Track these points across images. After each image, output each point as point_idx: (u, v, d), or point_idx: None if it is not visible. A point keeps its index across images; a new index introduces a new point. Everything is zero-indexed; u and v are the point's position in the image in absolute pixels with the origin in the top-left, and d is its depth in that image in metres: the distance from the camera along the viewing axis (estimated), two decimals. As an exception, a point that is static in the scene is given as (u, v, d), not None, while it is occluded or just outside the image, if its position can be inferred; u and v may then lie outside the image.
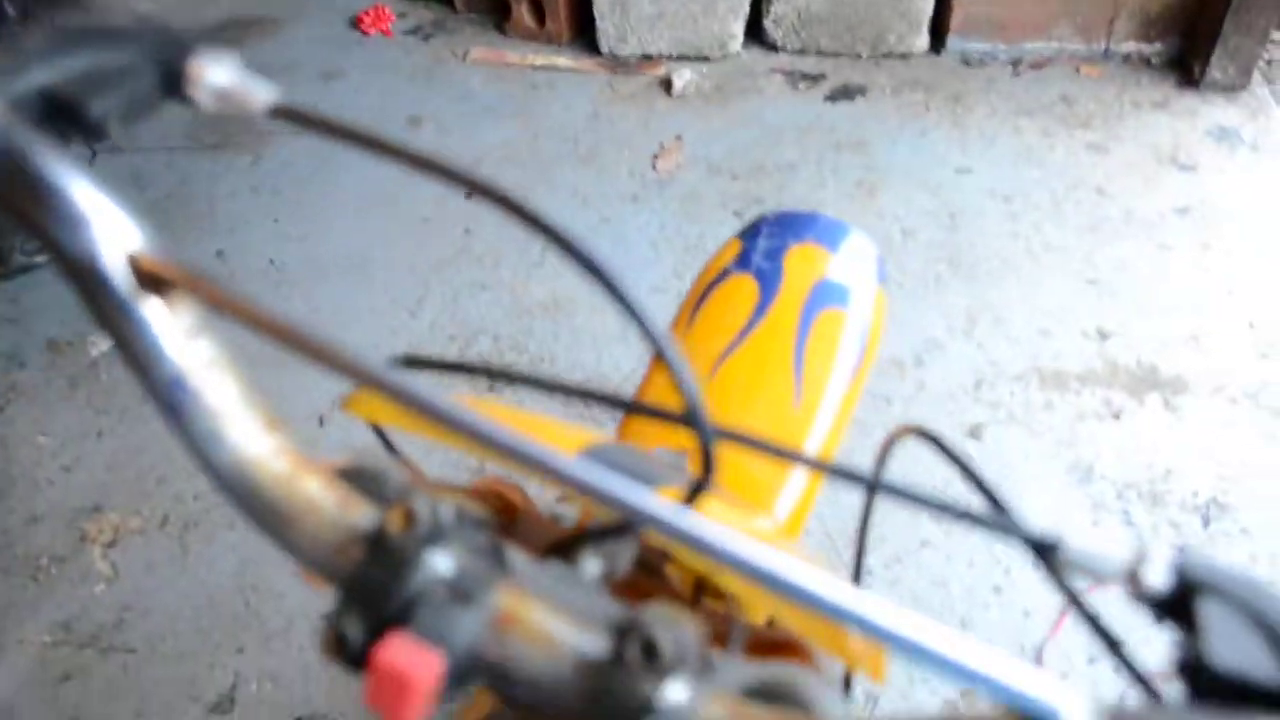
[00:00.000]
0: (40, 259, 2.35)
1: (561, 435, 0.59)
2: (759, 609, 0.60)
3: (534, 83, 2.86)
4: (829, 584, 0.34)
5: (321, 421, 1.98)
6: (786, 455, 0.45)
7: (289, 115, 0.48)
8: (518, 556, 0.45)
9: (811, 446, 0.91)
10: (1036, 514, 1.75)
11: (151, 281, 0.42)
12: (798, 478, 0.90)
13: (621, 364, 2.06)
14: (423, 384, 0.40)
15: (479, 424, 0.39)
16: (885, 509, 0.67)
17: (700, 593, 0.75)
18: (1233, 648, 0.32)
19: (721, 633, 0.54)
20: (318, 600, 1.74)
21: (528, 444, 0.38)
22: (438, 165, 0.45)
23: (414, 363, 0.57)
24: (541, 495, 0.56)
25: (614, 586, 0.54)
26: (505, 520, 0.65)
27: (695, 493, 0.44)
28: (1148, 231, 2.31)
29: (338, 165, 2.62)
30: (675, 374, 0.41)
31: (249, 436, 0.45)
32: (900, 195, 2.43)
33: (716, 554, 0.36)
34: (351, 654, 0.39)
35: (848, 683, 0.64)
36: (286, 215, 2.48)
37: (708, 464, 0.42)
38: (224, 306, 0.42)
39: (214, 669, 1.68)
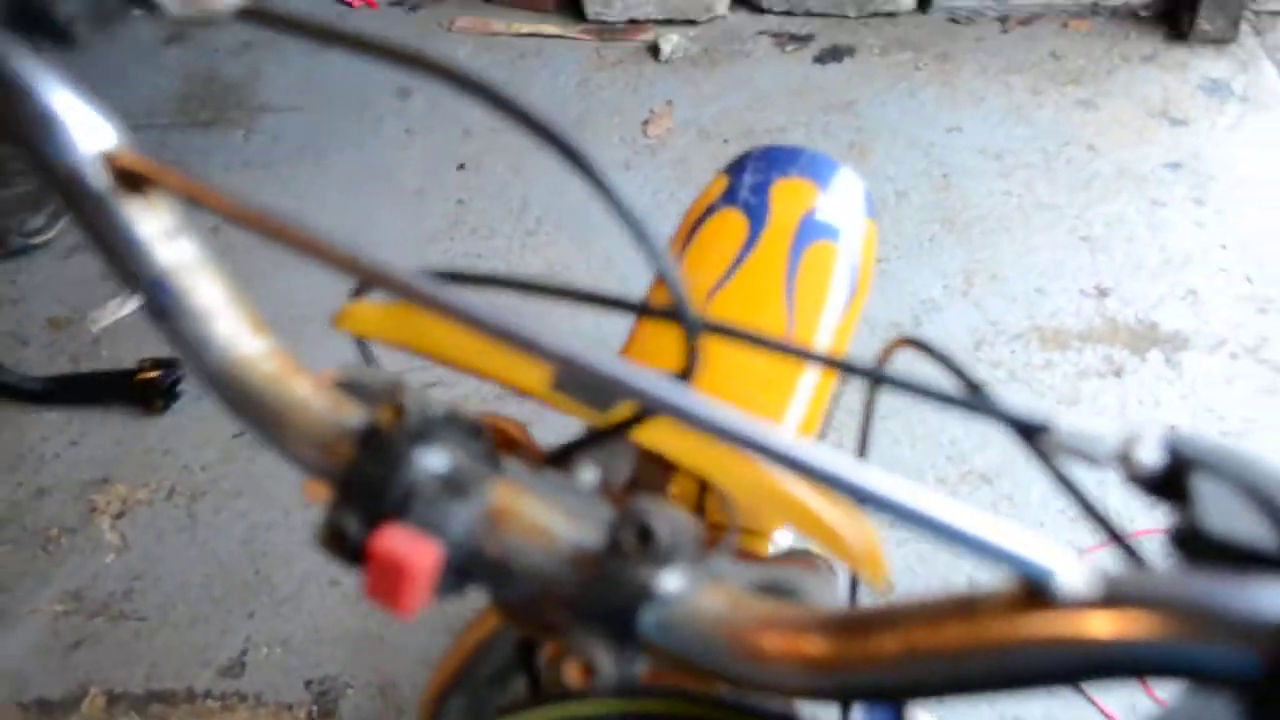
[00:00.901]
0: (38, 240, 2.35)
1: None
2: (759, 518, 0.61)
3: (521, 51, 2.85)
4: (833, 457, 0.35)
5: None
6: (772, 345, 0.45)
7: (256, 16, 0.47)
8: (513, 463, 0.45)
9: (807, 379, 0.91)
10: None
11: (129, 180, 0.42)
12: (802, 393, 0.90)
13: (621, 330, 2.07)
14: (412, 272, 0.40)
15: (478, 310, 0.38)
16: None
17: (701, 511, 0.75)
18: (1226, 516, 0.32)
19: (720, 545, 0.55)
20: (326, 566, 1.75)
21: (528, 328, 0.38)
22: (417, 59, 0.44)
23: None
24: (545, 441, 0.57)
25: (612, 499, 0.56)
26: (505, 453, 0.66)
27: (686, 374, 0.45)
28: (1140, 187, 2.32)
29: (330, 140, 2.61)
30: (659, 263, 0.42)
31: (237, 337, 0.45)
32: (892, 156, 2.44)
33: (721, 430, 0.36)
34: (349, 547, 0.40)
35: (853, 591, 0.65)
36: (278, 190, 2.47)
37: (693, 354, 0.43)
38: (203, 200, 0.42)
39: (224, 634, 1.70)
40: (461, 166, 2.52)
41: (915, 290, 2.12)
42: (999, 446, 1.80)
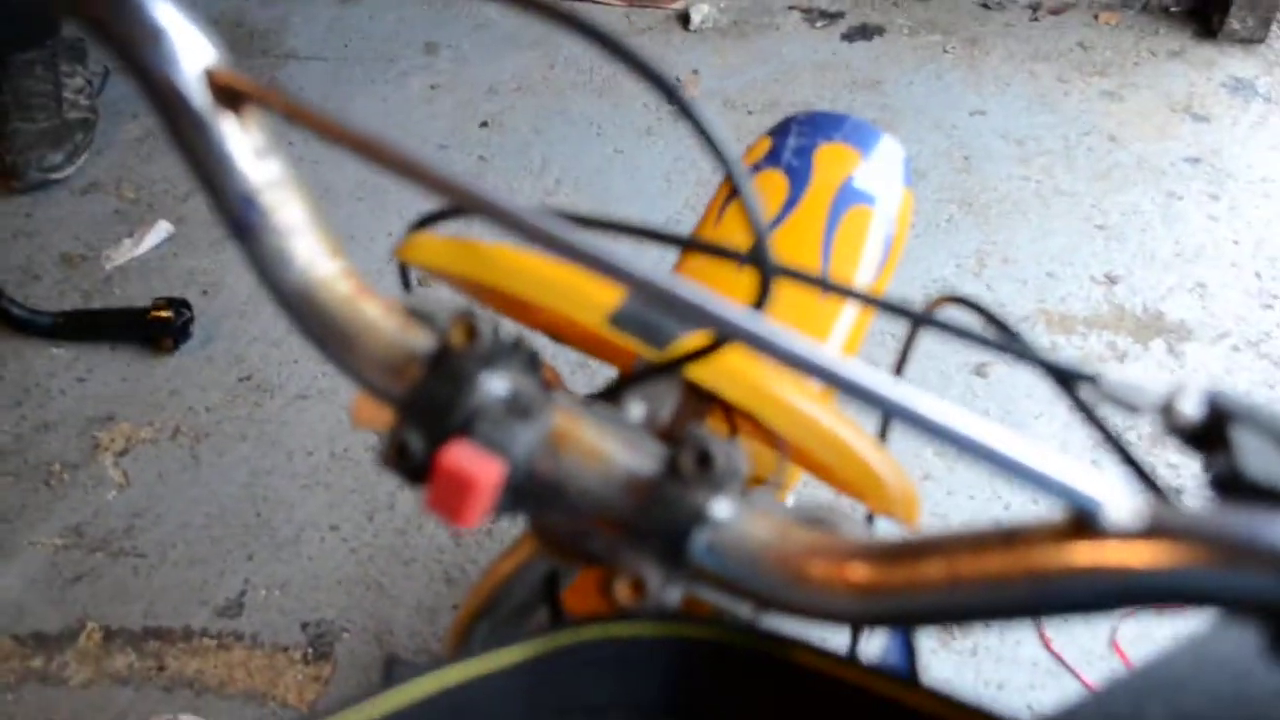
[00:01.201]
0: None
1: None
2: (800, 454, 0.62)
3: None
4: (897, 387, 0.36)
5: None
6: (839, 290, 0.47)
7: None
8: (565, 395, 0.47)
9: (836, 338, 0.93)
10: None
11: (226, 97, 0.43)
12: (838, 333, 0.93)
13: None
14: (500, 196, 0.40)
15: (562, 233, 0.39)
16: (889, 442, 0.69)
17: None
18: (1265, 463, 0.33)
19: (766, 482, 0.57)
20: (327, 512, 1.77)
21: (612, 251, 0.38)
22: None
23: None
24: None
25: (658, 434, 0.56)
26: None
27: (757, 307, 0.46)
28: (1158, 180, 2.31)
29: (354, 92, 2.62)
30: (744, 200, 0.42)
31: (315, 257, 0.46)
32: (914, 136, 2.43)
33: (787, 355, 0.36)
34: (413, 462, 0.41)
35: (870, 523, 0.67)
36: (299, 141, 2.48)
37: (765, 287, 0.44)
38: (299, 119, 0.42)
39: (224, 575, 1.71)
40: (484, 124, 2.51)
41: (929, 268, 2.12)
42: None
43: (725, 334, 0.38)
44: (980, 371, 1.92)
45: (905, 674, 0.43)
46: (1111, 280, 2.09)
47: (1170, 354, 1.95)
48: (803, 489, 1.00)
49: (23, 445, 1.89)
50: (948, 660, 1.57)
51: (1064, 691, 1.53)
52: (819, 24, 2.77)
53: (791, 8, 2.83)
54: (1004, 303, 2.05)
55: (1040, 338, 1.99)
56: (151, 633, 1.64)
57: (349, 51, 2.74)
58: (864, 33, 2.74)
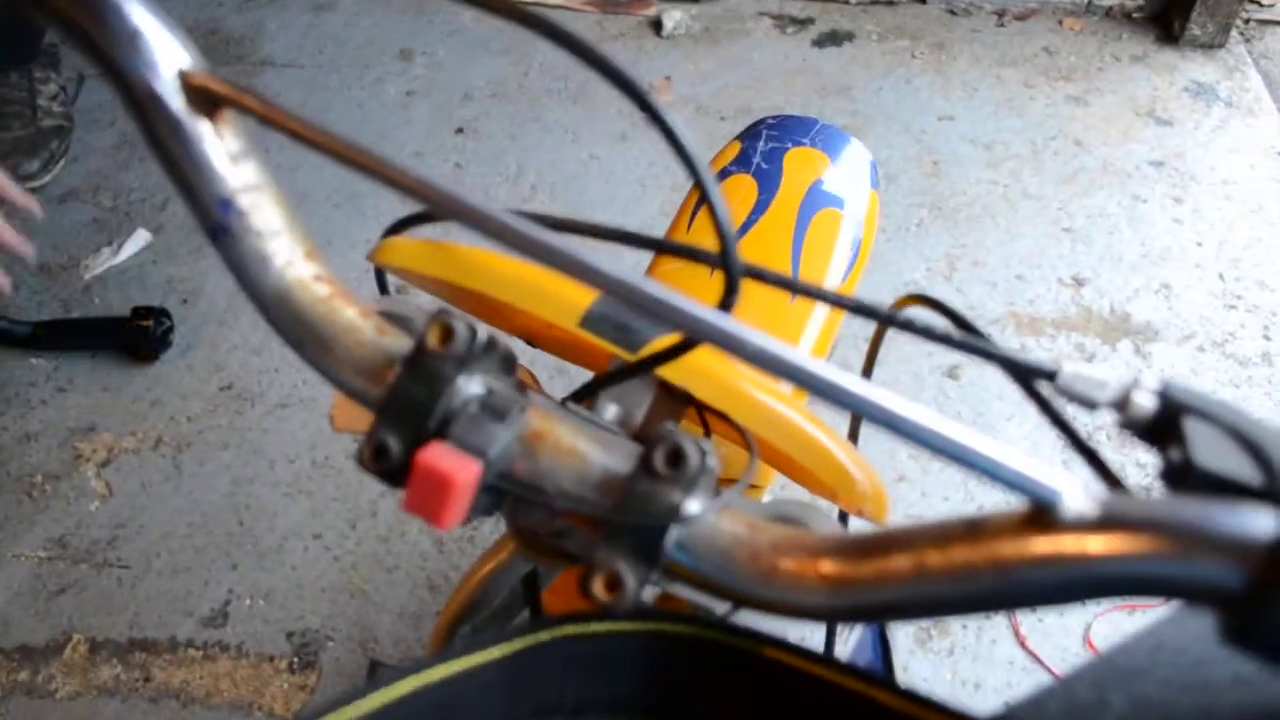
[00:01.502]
0: (32, 184, 2.35)
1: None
2: (773, 454, 0.63)
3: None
4: (864, 386, 0.37)
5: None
6: (805, 290, 0.47)
7: None
8: (539, 396, 0.48)
9: (808, 339, 0.95)
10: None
11: (202, 100, 0.43)
12: (809, 334, 0.94)
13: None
14: (476, 199, 0.40)
15: (536, 235, 0.39)
16: (864, 444, 0.71)
17: None
18: (1216, 454, 0.34)
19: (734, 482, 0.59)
20: (310, 520, 1.78)
21: (584, 253, 0.39)
22: None
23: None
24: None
25: (630, 435, 0.56)
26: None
27: (723, 309, 0.46)
28: (1123, 183, 2.36)
29: (330, 99, 2.62)
30: (710, 201, 0.42)
31: (292, 259, 0.46)
32: (884, 140, 2.47)
33: (756, 355, 0.37)
34: (391, 464, 0.42)
35: (843, 522, 0.68)
36: (276, 149, 2.47)
37: (731, 286, 0.44)
38: (274, 122, 0.43)
39: (207, 585, 1.72)
40: (460, 130, 2.53)
41: (900, 272, 2.16)
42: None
43: (694, 334, 0.38)
44: (952, 374, 1.95)
45: (880, 672, 0.45)
46: (1079, 282, 2.13)
47: (1137, 355, 2.00)
48: (779, 490, 1.02)
49: (5, 457, 1.90)
50: (925, 660, 1.60)
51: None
52: (789, 30, 2.80)
53: (762, 14, 2.85)
54: (974, 305, 2.08)
55: (1010, 340, 2.03)
56: (137, 644, 1.66)
57: (324, 58, 2.74)
58: (834, 39, 2.77)
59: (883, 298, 2.08)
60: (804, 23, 2.82)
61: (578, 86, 2.62)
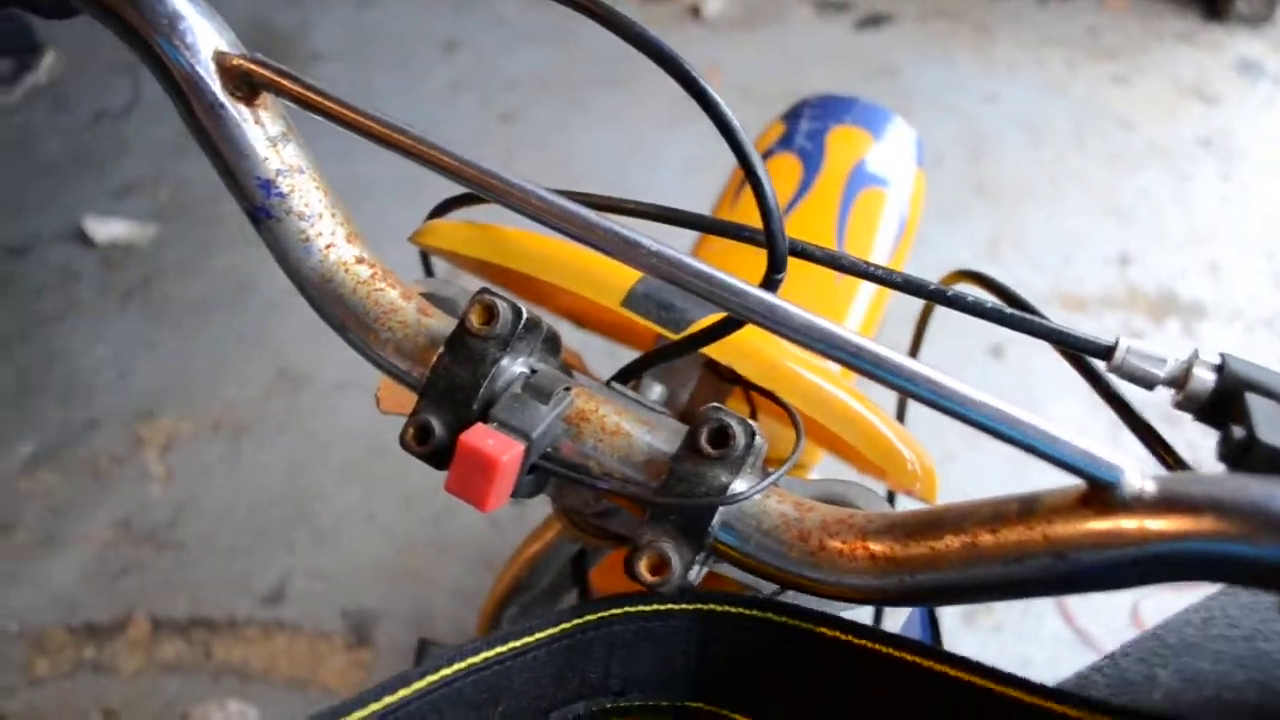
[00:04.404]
0: None
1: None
2: (820, 433, 0.62)
3: (564, 11, 2.87)
4: (914, 365, 0.36)
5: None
6: (849, 266, 0.46)
7: None
8: (583, 377, 0.47)
9: (854, 318, 0.95)
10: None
11: (241, 83, 0.43)
12: (855, 313, 0.94)
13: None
14: (518, 179, 0.40)
15: (578, 213, 0.39)
16: (913, 421, 0.70)
17: None
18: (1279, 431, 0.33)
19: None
20: (365, 503, 1.81)
21: (627, 231, 0.39)
22: None
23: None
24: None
25: (677, 414, 0.54)
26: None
27: (769, 286, 0.45)
28: (1169, 161, 2.35)
29: (377, 91, 2.66)
30: (753, 178, 0.42)
31: (334, 242, 0.46)
32: (927, 122, 2.46)
33: (803, 333, 0.37)
34: (436, 446, 0.42)
35: (890, 501, 0.67)
36: (322, 139, 2.51)
37: (777, 264, 0.44)
38: (317, 105, 0.43)
39: (266, 565, 1.76)
40: (506, 119, 2.56)
41: (944, 253, 2.15)
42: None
43: (737, 312, 0.38)
44: (997, 352, 1.95)
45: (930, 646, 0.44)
46: (1125, 261, 2.13)
47: (1184, 333, 1.99)
48: (827, 468, 1.03)
49: (72, 441, 1.95)
50: (972, 637, 1.61)
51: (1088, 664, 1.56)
52: (829, 14, 2.80)
53: (802, -2, 2.86)
54: (1019, 285, 2.05)
55: (1056, 317, 2.01)
56: (197, 622, 1.69)
57: (370, 51, 2.78)
58: (874, 21, 2.77)
59: (927, 277, 2.08)
60: (842, 6, 2.83)
61: (622, 73, 2.63)
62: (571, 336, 0.76)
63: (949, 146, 2.42)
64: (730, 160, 0.41)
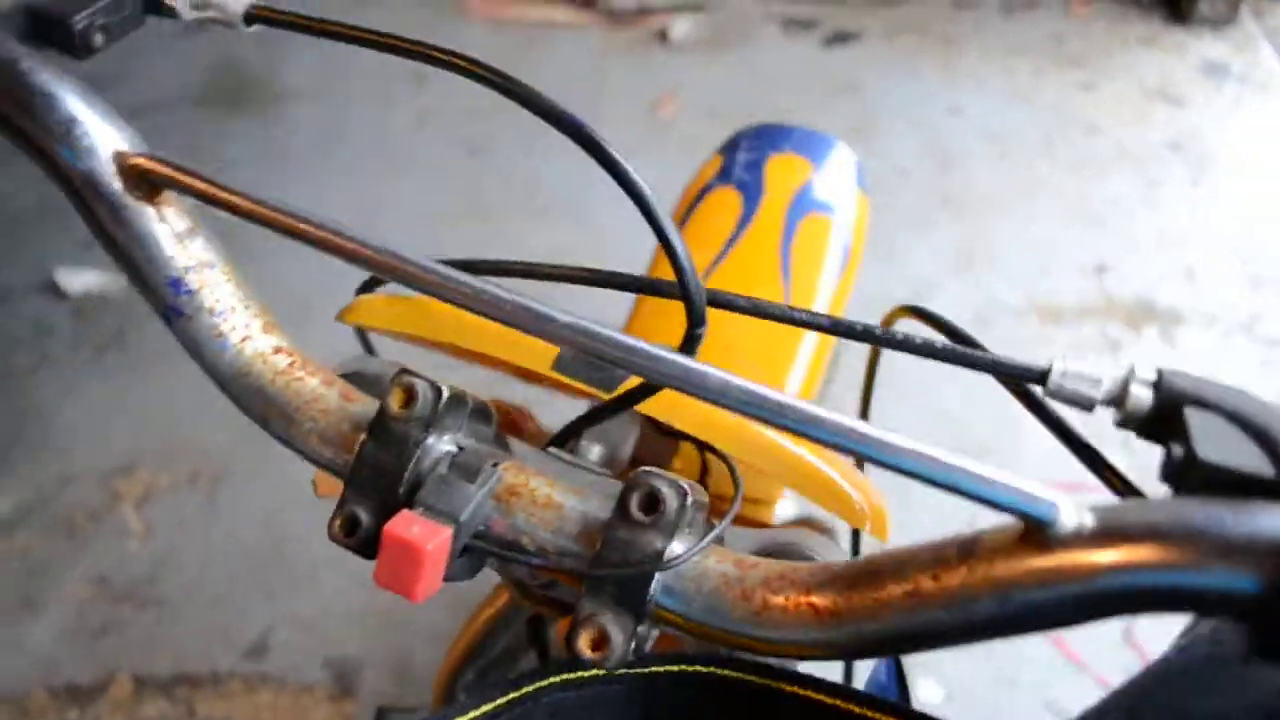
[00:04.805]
0: None
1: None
2: (763, 486, 0.61)
3: (532, 37, 2.87)
4: (835, 417, 0.35)
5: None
6: (773, 313, 0.46)
7: (265, 19, 0.47)
8: (519, 444, 0.46)
9: (805, 347, 0.93)
10: (1038, 440, 1.80)
11: (142, 183, 0.43)
12: (801, 361, 0.92)
13: (620, 312, 2.10)
14: (424, 260, 0.40)
15: (489, 292, 0.39)
16: (872, 473, 0.69)
17: (704, 483, 0.75)
18: (1221, 446, 0.32)
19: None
20: (338, 547, 1.79)
21: (537, 307, 0.38)
22: (427, 50, 0.45)
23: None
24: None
25: (618, 475, 0.54)
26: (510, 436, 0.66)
27: (689, 346, 0.45)
28: (1138, 167, 2.35)
29: (347, 127, 2.65)
30: (666, 236, 0.42)
31: (250, 334, 0.46)
32: (895, 137, 2.47)
33: (718, 393, 0.36)
34: (364, 536, 0.41)
35: (855, 548, 0.65)
36: (296, 175, 2.50)
37: (695, 319, 0.43)
38: (217, 199, 0.42)
39: (246, 617, 1.73)
40: (473, 151, 2.55)
41: (917, 268, 2.16)
42: (992, 415, 1.83)
43: (653, 378, 0.37)
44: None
45: (895, 698, 0.42)
46: (1100, 270, 2.13)
47: (1163, 340, 1.99)
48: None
49: (46, 497, 1.92)
50: (962, 659, 1.59)
51: (1078, 686, 1.55)
52: (796, 33, 2.81)
53: (769, 18, 2.86)
54: (993, 299, 2.08)
55: (1032, 330, 2.02)
56: (181, 679, 1.67)
57: (341, 87, 2.77)
58: (841, 39, 2.78)
59: (898, 296, 2.07)
60: (810, 25, 2.83)
61: (587, 100, 2.63)
62: (522, 392, 0.75)
63: (917, 161, 2.41)
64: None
